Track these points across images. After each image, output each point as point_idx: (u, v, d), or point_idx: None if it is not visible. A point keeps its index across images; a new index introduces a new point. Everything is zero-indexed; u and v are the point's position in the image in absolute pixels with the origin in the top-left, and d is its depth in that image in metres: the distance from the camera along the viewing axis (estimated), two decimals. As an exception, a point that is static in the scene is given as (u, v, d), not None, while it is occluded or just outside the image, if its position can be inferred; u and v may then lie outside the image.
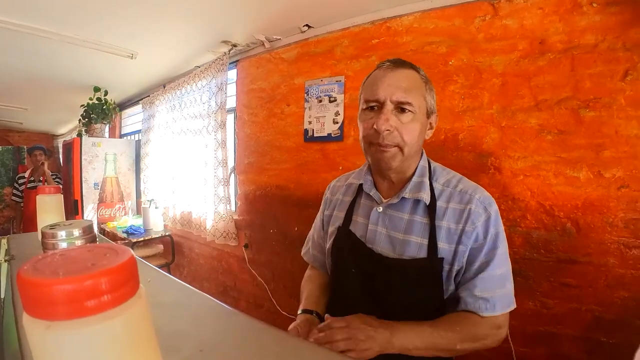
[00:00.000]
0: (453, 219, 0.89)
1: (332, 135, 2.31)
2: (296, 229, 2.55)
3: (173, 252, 3.62)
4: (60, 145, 6.63)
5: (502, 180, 1.66)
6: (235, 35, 2.59)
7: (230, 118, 3.06)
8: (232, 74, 3.03)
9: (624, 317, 1.40)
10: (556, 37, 1.53)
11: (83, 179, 4.03)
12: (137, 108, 4.59)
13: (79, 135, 4.39)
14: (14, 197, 4.49)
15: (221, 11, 2.19)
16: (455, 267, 0.88)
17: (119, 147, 4.38)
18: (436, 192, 0.93)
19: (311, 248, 1.26)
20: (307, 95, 2.43)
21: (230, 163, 3.02)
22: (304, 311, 1.03)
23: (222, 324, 0.68)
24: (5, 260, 1.03)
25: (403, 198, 0.94)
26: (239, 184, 3.03)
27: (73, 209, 3.95)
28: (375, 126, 0.87)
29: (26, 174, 4.46)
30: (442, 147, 1.83)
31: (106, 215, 4.15)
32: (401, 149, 0.89)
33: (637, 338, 1.33)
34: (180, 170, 3.54)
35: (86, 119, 4.22)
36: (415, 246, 0.90)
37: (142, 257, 2.72)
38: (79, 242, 0.69)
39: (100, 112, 4.16)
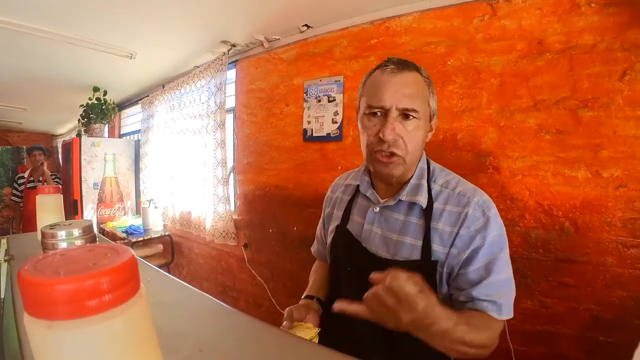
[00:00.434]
0: (449, 222, 0.87)
1: (331, 135, 2.31)
2: (295, 228, 2.55)
3: (172, 251, 3.62)
4: (60, 145, 6.62)
5: (501, 179, 1.66)
6: (234, 35, 2.59)
7: (229, 118, 3.07)
8: (231, 74, 3.03)
9: (622, 316, 1.41)
10: (554, 37, 1.53)
11: (82, 179, 4.02)
12: (137, 108, 4.59)
13: (78, 135, 4.39)
14: (13, 197, 4.48)
15: (220, 11, 2.19)
16: (445, 270, 0.86)
17: (118, 147, 4.38)
18: (433, 194, 0.92)
19: (316, 243, 1.30)
20: (306, 95, 2.44)
21: (230, 163, 3.02)
22: (306, 297, 1.08)
23: (221, 324, 0.69)
24: (5, 260, 1.03)
25: (400, 200, 0.93)
26: (238, 184, 3.04)
27: (72, 209, 3.95)
28: (381, 135, 0.85)
29: (25, 174, 4.45)
30: (441, 147, 1.83)
31: (105, 215, 4.15)
32: (404, 159, 0.87)
33: (635, 337, 1.33)
34: (179, 170, 3.54)
35: (85, 119, 4.22)
36: (409, 247, 0.89)
37: (142, 257, 2.72)
38: (78, 242, 0.70)
39: (99, 112, 4.16)
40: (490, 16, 1.70)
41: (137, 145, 4.45)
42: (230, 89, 3.03)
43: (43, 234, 0.69)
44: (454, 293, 0.87)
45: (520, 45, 1.62)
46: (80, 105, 4.14)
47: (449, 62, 1.82)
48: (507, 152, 1.66)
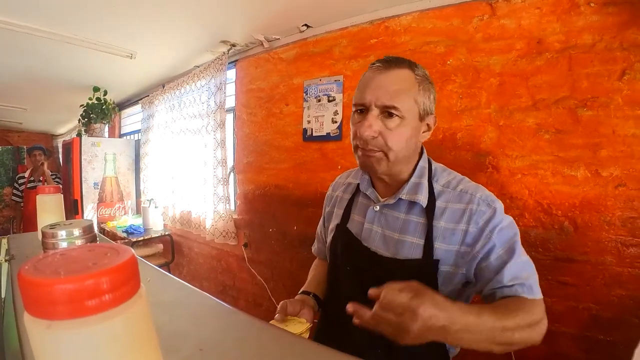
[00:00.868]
0: (452, 219, 0.86)
1: (331, 134, 2.31)
2: (295, 228, 2.55)
3: (173, 251, 3.62)
4: (60, 145, 6.63)
5: (500, 179, 1.67)
6: (234, 35, 2.59)
7: (229, 118, 3.07)
8: (231, 73, 3.03)
9: (622, 315, 1.41)
10: (554, 37, 1.53)
11: (83, 179, 4.03)
12: (137, 108, 4.59)
13: (79, 135, 4.40)
14: (14, 197, 4.48)
15: (220, 11, 2.20)
16: (460, 270, 0.85)
17: (119, 147, 4.38)
18: (435, 193, 0.90)
19: (317, 242, 1.29)
20: (306, 94, 2.44)
21: (230, 162, 3.02)
22: (303, 292, 1.08)
23: (221, 323, 0.69)
24: (6, 260, 1.04)
25: (400, 199, 0.92)
26: (238, 184, 3.04)
27: (73, 208, 3.95)
28: (358, 132, 0.86)
29: (26, 174, 4.45)
30: (440, 147, 1.84)
31: (106, 215, 4.16)
32: (386, 155, 0.86)
33: (634, 336, 1.33)
34: (179, 170, 3.54)
35: (86, 119, 4.22)
36: (410, 246, 0.88)
37: (142, 257, 2.72)
38: (79, 242, 0.70)
39: (99, 112, 4.16)
40: (490, 16, 1.70)
41: (137, 145, 4.46)
42: (230, 88, 3.03)
43: (43, 234, 0.70)
44: (483, 288, 0.84)
45: (520, 45, 1.62)
46: (81, 105, 4.14)
47: (448, 62, 1.82)
48: (506, 152, 1.66)
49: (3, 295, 0.97)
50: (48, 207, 1.16)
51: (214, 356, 0.56)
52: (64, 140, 4.90)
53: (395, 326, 0.65)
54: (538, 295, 0.80)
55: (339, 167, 2.27)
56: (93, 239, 0.72)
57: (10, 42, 2.50)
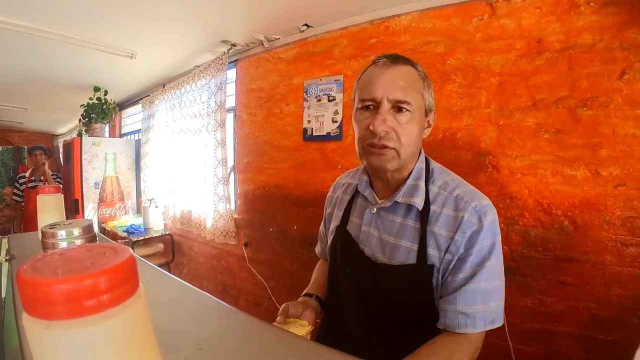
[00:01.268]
0: (445, 226, 0.84)
1: (331, 134, 2.31)
2: (295, 227, 2.55)
3: (173, 250, 3.62)
4: (61, 145, 6.63)
5: (500, 178, 1.67)
6: (234, 35, 2.59)
7: (229, 117, 3.07)
8: (232, 73, 3.04)
9: (621, 315, 1.41)
10: (553, 36, 1.53)
11: (83, 179, 4.03)
12: (137, 108, 4.59)
13: (79, 134, 4.40)
14: (14, 197, 4.49)
15: (220, 11, 2.20)
16: (440, 275, 0.85)
17: (119, 147, 4.39)
18: (431, 196, 0.88)
19: (319, 242, 1.29)
20: (306, 94, 2.44)
21: (230, 162, 3.02)
22: (306, 294, 1.07)
23: (221, 323, 0.69)
24: (6, 260, 1.04)
25: (396, 202, 0.90)
26: (238, 183, 3.04)
27: (73, 208, 3.96)
28: (371, 127, 0.82)
29: (27, 174, 4.46)
30: (440, 146, 1.83)
31: (106, 215, 4.16)
32: (398, 152, 0.84)
33: (634, 335, 1.34)
34: (180, 170, 3.55)
35: (86, 119, 4.23)
36: (405, 251, 0.87)
37: (143, 256, 2.73)
38: (78, 242, 0.70)
39: (100, 112, 4.17)
40: (490, 15, 1.70)
41: (138, 145, 4.46)
42: (231, 88, 3.03)
43: (43, 234, 0.70)
44: (441, 298, 0.85)
45: (520, 45, 1.62)
46: (81, 105, 4.15)
47: (448, 62, 1.82)
48: (506, 151, 1.66)
49: (3, 295, 0.97)
50: (48, 206, 1.16)
51: (214, 355, 0.56)
52: (64, 140, 4.91)
53: None
54: (480, 328, 0.80)
55: (339, 166, 2.28)
56: (92, 238, 0.72)
57: (10, 42, 2.51)
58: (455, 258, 0.82)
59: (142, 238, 3.46)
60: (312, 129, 2.41)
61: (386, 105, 0.83)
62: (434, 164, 0.97)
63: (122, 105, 4.96)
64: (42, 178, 4.33)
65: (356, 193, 1.06)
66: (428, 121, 0.92)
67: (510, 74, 1.64)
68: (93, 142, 4.13)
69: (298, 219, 2.54)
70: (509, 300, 0.87)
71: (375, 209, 0.95)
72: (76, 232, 0.70)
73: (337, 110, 2.29)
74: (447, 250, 0.83)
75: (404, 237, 0.88)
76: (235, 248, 3.04)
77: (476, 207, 0.83)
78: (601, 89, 1.44)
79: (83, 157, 4.03)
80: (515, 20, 1.63)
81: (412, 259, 0.85)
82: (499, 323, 0.81)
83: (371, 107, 0.86)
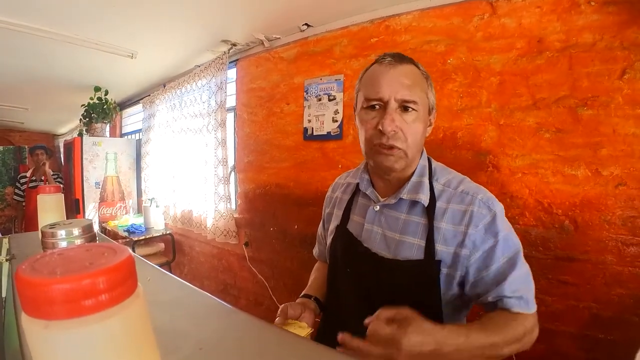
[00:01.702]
0: (453, 221, 0.84)
1: (332, 133, 2.31)
2: (296, 227, 2.56)
3: (174, 250, 3.63)
4: (61, 145, 6.64)
5: (501, 178, 1.67)
6: (235, 34, 2.59)
7: (230, 117, 3.07)
8: (232, 73, 3.04)
9: (622, 315, 1.41)
10: (554, 36, 1.53)
11: (84, 178, 4.04)
12: (138, 107, 4.59)
13: (80, 134, 4.41)
14: (15, 197, 4.50)
15: (220, 10, 2.20)
16: (458, 272, 0.84)
17: (120, 146, 4.39)
18: (436, 192, 0.89)
19: (317, 244, 1.28)
20: (307, 94, 2.44)
21: (231, 162, 3.02)
22: (304, 295, 1.07)
23: (222, 322, 0.69)
24: (6, 260, 1.04)
25: (401, 199, 0.90)
26: (239, 183, 3.04)
27: (74, 208, 3.96)
28: (380, 127, 0.82)
29: (28, 174, 4.47)
30: (441, 146, 1.83)
31: (107, 214, 4.16)
32: (405, 152, 0.85)
33: (634, 335, 1.34)
34: (180, 169, 3.55)
35: (87, 119, 4.24)
36: (411, 247, 0.86)
37: (143, 256, 2.73)
38: (78, 241, 0.70)
39: (100, 112, 4.17)
40: (490, 15, 1.69)
41: (139, 145, 4.47)
42: (231, 88, 3.04)
43: (43, 234, 0.70)
44: (481, 296, 0.83)
45: (520, 44, 1.61)
46: (82, 105, 4.15)
47: (448, 61, 1.82)
48: (506, 151, 1.66)
49: (4, 295, 0.97)
50: (49, 206, 1.16)
51: (214, 355, 0.56)
52: (65, 140, 4.92)
53: (383, 358, 0.66)
54: (533, 308, 0.80)
55: (340, 166, 2.28)
56: (92, 238, 0.72)
57: (10, 42, 2.51)
58: (478, 252, 0.82)
59: (143, 238, 3.46)
60: (312, 128, 2.41)
61: (393, 105, 0.83)
62: (435, 163, 0.97)
63: (123, 105, 4.97)
64: (42, 178, 4.34)
65: (356, 192, 1.05)
66: (430, 120, 0.92)
67: (511, 73, 1.64)
68: (94, 141, 4.14)
69: (298, 218, 2.54)
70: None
71: (378, 207, 0.95)
72: (76, 231, 0.70)
73: (337, 109, 2.29)
74: (461, 245, 0.83)
75: (409, 233, 0.88)
76: (235, 247, 3.04)
77: (483, 199, 0.85)
78: (602, 89, 1.43)
79: (84, 156, 4.04)
80: (515, 20, 1.62)
81: (418, 255, 0.85)
82: (535, 307, 0.82)
83: (377, 106, 0.86)
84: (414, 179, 0.90)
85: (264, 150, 2.78)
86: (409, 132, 0.84)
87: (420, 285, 0.86)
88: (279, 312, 0.90)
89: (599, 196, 1.45)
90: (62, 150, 6.03)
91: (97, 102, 4.10)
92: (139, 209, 4.37)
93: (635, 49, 1.37)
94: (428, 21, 1.90)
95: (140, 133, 4.47)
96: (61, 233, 0.68)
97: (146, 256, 3.37)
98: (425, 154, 0.95)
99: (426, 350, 0.66)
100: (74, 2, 2.02)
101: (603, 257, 1.45)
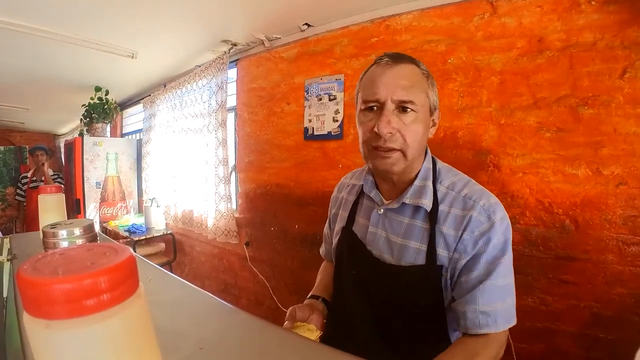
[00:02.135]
0: (453, 226, 0.83)
1: (332, 133, 2.31)
2: (296, 226, 2.56)
3: (174, 250, 3.63)
4: (62, 145, 6.64)
5: (501, 177, 1.67)
6: (235, 34, 2.59)
7: (230, 117, 3.07)
8: (232, 72, 3.04)
9: (622, 314, 1.41)
10: (555, 35, 1.53)
11: (85, 178, 4.04)
12: (138, 107, 4.59)
13: (81, 134, 4.41)
14: (17, 197, 4.52)
15: (221, 10, 2.20)
16: (449, 275, 0.84)
17: (120, 146, 4.39)
18: (439, 196, 0.87)
19: (324, 243, 1.27)
20: (307, 93, 2.44)
21: (231, 161, 3.02)
22: (312, 296, 1.06)
23: (222, 322, 0.69)
24: (8, 260, 1.04)
25: (404, 203, 0.89)
26: (239, 183, 3.04)
27: (75, 208, 3.97)
28: (376, 129, 0.81)
29: (29, 174, 4.48)
30: (441, 145, 1.83)
31: (108, 214, 4.16)
32: (404, 154, 0.83)
33: (635, 334, 1.34)
34: (181, 169, 3.55)
35: (87, 119, 4.24)
36: (414, 252, 0.86)
37: (144, 256, 2.73)
38: (79, 241, 0.70)
39: (101, 112, 4.17)
40: (491, 14, 1.69)
41: (139, 145, 4.47)
42: (232, 87, 3.03)
43: (44, 233, 0.70)
44: (456, 300, 0.83)
45: (521, 43, 1.61)
46: (82, 105, 4.15)
47: (449, 60, 1.82)
48: (507, 150, 1.65)
49: (5, 295, 0.98)
50: (49, 206, 1.16)
51: (214, 355, 0.57)
52: (66, 140, 4.93)
53: None
54: (502, 326, 0.79)
55: (340, 165, 2.28)
56: (93, 238, 0.72)
57: (11, 42, 2.51)
58: (466, 257, 0.81)
59: (144, 237, 3.46)
60: (313, 128, 2.41)
61: (390, 106, 0.81)
62: (440, 164, 0.96)
63: (123, 105, 4.97)
64: (42, 178, 4.35)
65: (361, 194, 1.05)
66: (433, 120, 0.91)
67: (512, 73, 1.64)
68: (94, 141, 4.14)
69: (299, 218, 2.54)
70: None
71: (382, 210, 0.94)
72: (77, 231, 0.70)
73: (338, 109, 2.29)
74: (455, 249, 0.82)
75: (412, 238, 0.87)
76: (236, 247, 3.04)
77: (484, 206, 0.82)
78: (602, 88, 1.43)
79: (84, 156, 4.04)
80: (516, 19, 1.62)
81: (421, 260, 0.85)
82: (514, 321, 0.81)
83: (375, 108, 0.85)
84: (417, 182, 0.89)
85: (264, 150, 2.78)
86: (407, 133, 0.82)
87: (422, 290, 0.86)
88: (287, 315, 0.89)
89: (600, 195, 1.45)
90: (62, 150, 6.04)
91: (97, 102, 4.10)
92: (140, 209, 4.37)
93: (635, 48, 1.36)
94: (428, 21, 1.90)
95: (141, 133, 4.47)
96: (62, 233, 0.68)
97: (147, 256, 3.37)
98: (429, 156, 0.94)
99: None
100: (74, 2, 2.02)
101: (604, 257, 1.45)
